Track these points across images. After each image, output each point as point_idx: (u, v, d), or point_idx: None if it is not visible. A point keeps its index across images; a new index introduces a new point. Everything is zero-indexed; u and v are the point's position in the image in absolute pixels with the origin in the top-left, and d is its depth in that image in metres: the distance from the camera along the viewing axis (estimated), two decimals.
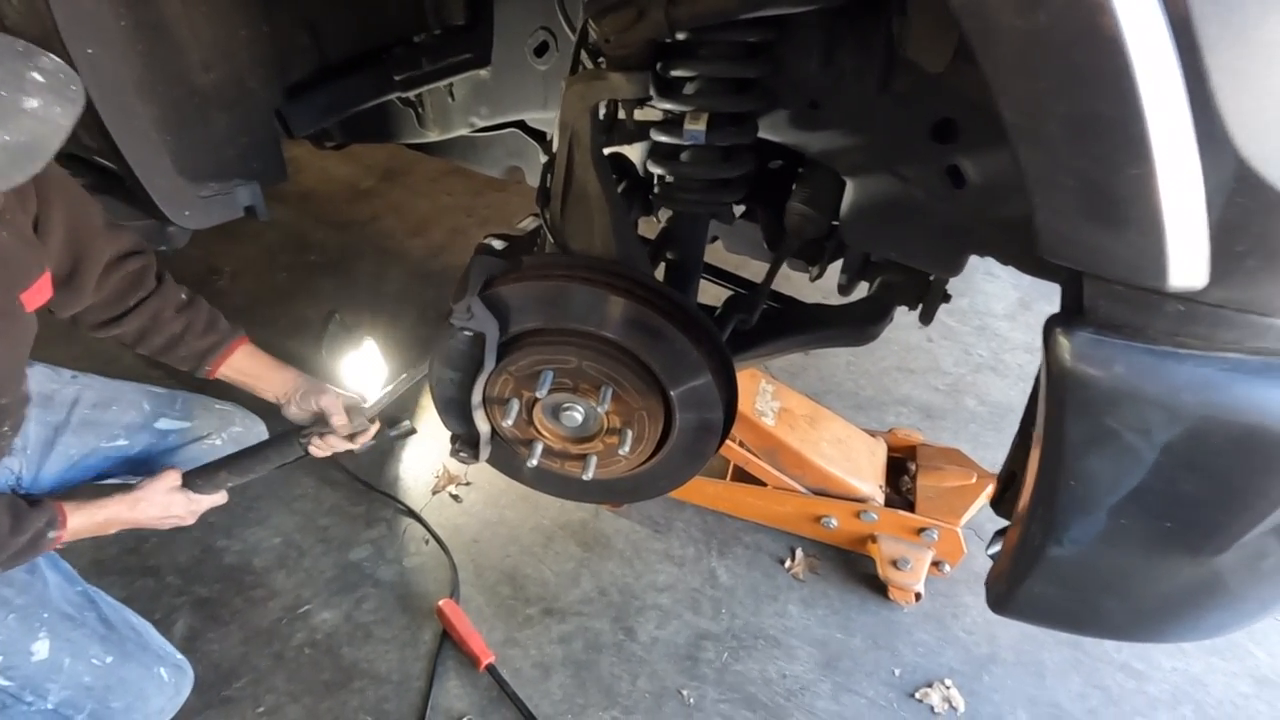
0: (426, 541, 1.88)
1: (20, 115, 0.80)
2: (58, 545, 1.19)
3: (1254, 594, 0.79)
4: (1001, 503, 0.92)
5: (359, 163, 3.62)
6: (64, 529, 1.17)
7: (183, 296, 1.32)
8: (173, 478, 1.32)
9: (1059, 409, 0.66)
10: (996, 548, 0.89)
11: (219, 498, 1.40)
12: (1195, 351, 0.62)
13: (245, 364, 1.35)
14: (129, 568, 1.78)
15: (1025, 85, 0.57)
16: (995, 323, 2.70)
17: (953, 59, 0.92)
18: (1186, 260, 0.56)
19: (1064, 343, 0.65)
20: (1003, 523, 0.95)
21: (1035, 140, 0.59)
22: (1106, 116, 0.53)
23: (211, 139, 1.27)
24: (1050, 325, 0.68)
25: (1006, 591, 0.82)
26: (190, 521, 1.36)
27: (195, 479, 1.34)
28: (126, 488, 1.28)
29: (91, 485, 1.36)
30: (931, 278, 1.34)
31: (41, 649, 1.18)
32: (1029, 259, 1.09)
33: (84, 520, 1.21)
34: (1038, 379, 0.84)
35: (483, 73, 1.52)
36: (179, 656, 1.36)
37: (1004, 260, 1.13)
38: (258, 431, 1.57)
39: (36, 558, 1.18)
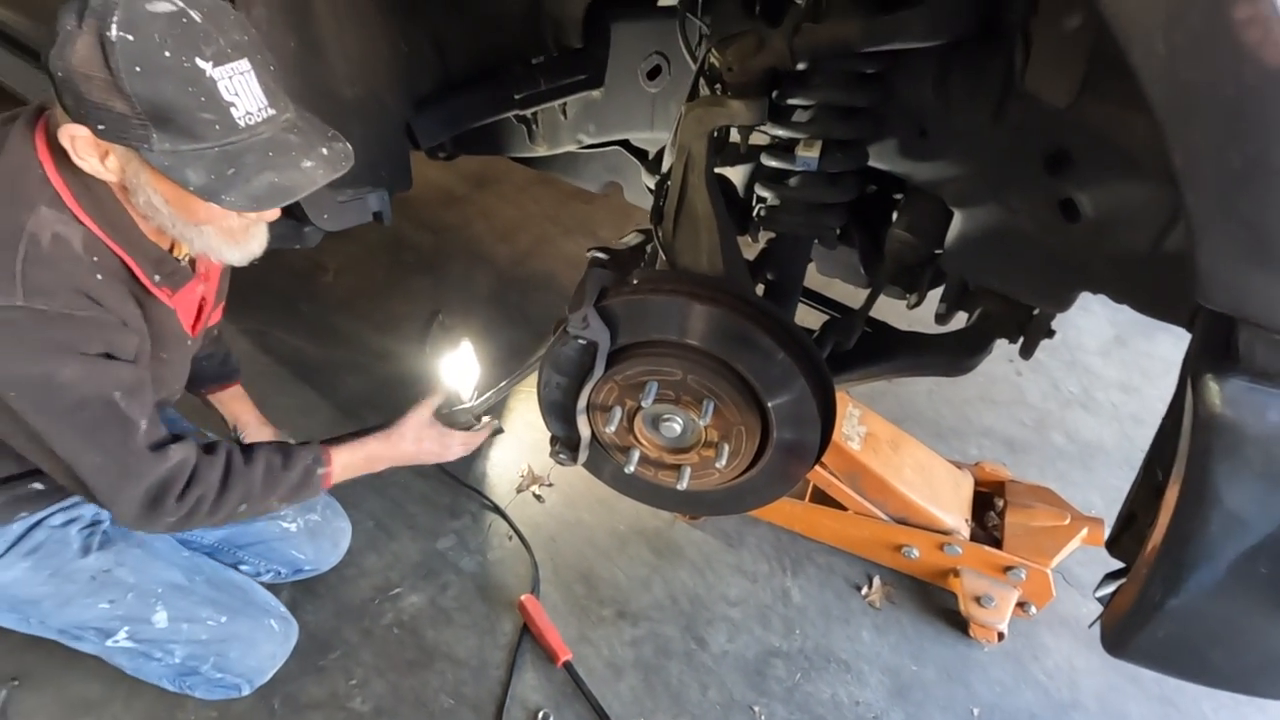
0: (510, 538, 1.95)
1: (292, 169, 0.96)
2: (328, 483, 1.26)
3: None
4: (1118, 544, 0.91)
5: (454, 170, 3.78)
6: (331, 466, 1.25)
7: (216, 331, 1.52)
8: (424, 412, 1.39)
9: (1205, 455, 0.65)
10: (1106, 590, 0.87)
11: (475, 436, 1.47)
12: None
13: (225, 396, 1.64)
14: None
15: (1201, 132, 0.57)
16: (1087, 358, 2.60)
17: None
18: None
19: (1215, 389, 0.64)
20: (1112, 564, 0.94)
21: (1205, 185, 0.59)
22: None
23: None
24: (1199, 369, 0.67)
25: (1125, 635, 0.81)
26: (448, 457, 1.43)
27: (444, 415, 1.41)
28: (383, 426, 1.36)
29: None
30: (1036, 311, 1.32)
31: (161, 618, 1.33)
32: (1145, 297, 1.07)
33: (348, 457, 1.29)
34: (1164, 420, 0.83)
35: (595, 93, 1.58)
36: (283, 610, 1.52)
37: (1118, 299, 1.11)
38: None
39: (314, 496, 1.26)
